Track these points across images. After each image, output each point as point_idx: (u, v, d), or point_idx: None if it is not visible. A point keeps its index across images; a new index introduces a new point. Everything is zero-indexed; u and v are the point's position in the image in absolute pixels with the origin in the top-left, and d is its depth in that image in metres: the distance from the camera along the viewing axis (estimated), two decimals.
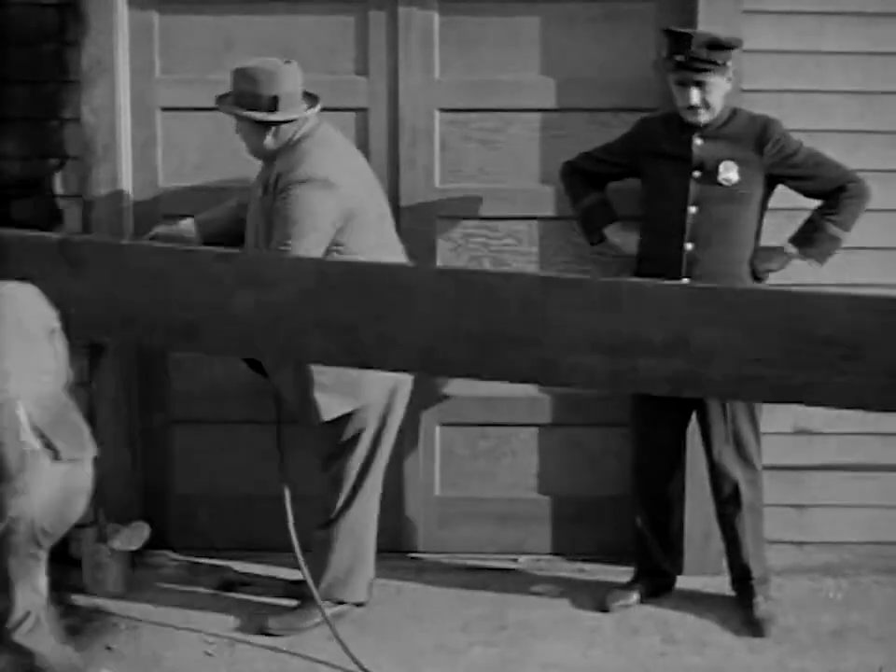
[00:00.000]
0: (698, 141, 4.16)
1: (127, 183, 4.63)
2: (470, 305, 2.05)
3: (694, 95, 4.08)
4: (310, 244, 3.93)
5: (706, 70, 4.04)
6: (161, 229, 4.35)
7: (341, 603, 4.26)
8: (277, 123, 4.04)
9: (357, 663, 3.94)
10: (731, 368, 1.79)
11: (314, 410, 4.10)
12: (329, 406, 4.10)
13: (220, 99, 4.14)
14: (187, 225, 4.32)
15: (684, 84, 4.09)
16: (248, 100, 4.04)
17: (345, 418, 4.14)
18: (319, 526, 4.25)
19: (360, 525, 4.25)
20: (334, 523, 4.22)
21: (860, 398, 1.77)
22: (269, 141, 4.07)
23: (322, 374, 4.03)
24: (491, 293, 2.12)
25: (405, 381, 4.23)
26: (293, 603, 4.33)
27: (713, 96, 4.10)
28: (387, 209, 4.27)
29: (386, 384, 4.13)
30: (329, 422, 4.14)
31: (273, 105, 4.02)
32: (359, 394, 4.09)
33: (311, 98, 4.14)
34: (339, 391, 4.07)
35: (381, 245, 4.13)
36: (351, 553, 4.25)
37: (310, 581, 4.14)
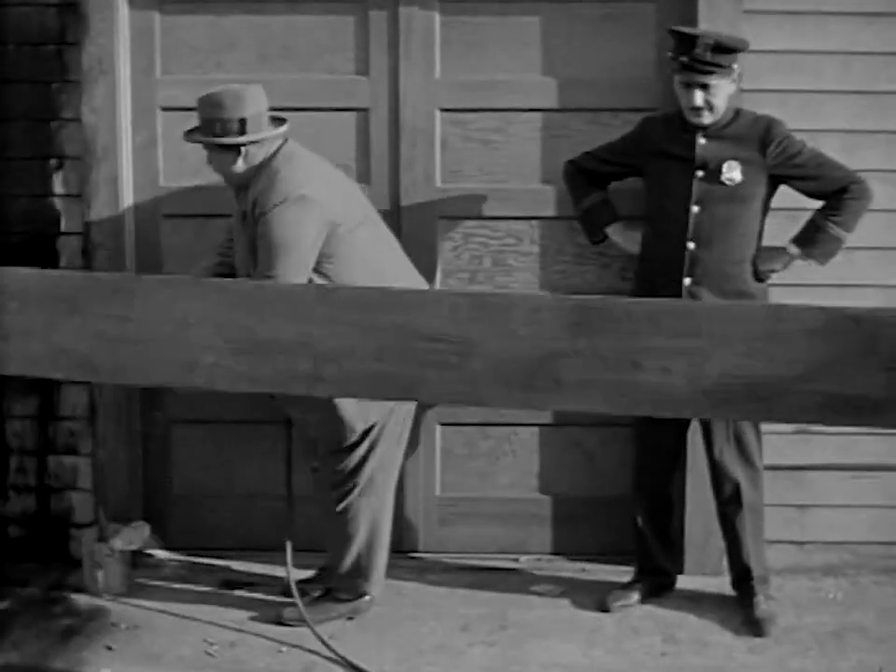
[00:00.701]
0: (702, 141, 4.16)
1: (127, 183, 4.63)
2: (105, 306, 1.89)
3: (698, 97, 4.08)
4: (295, 264, 3.92)
5: (710, 72, 4.04)
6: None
7: (362, 595, 4.29)
8: (247, 145, 4.01)
9: (349, 662, 3.94)
10: (352, 366, 1.78)
11: (346, 428, 4.10)
12: (354, 426, 4.11)
13: (189, 133, 4.12)
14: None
15: (689, 85, 4.09)
16: (216, 126, 4.02)
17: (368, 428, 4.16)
18: (335, 518, 4.24)
19: (380, 517, 4.27)
20: (353, 516, 4.23)
21: (473, 393, 1.77)
22: (239, 165, 4.04)
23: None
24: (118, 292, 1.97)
25: None
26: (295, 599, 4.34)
27: (717, 98, 4.09)
28: (372, 210, 4.23)
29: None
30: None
31: (241, 128, 4.00)
32: (380, 405, 4.08)
33: (277, 120, 4.12)
34: (361, 407, 4.08)
35: (373, 246, 4.13)
36: (371, 545, 4.28)
37: (298, 599, 4.15)
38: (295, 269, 3.91)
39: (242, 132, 4.00)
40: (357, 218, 4.09)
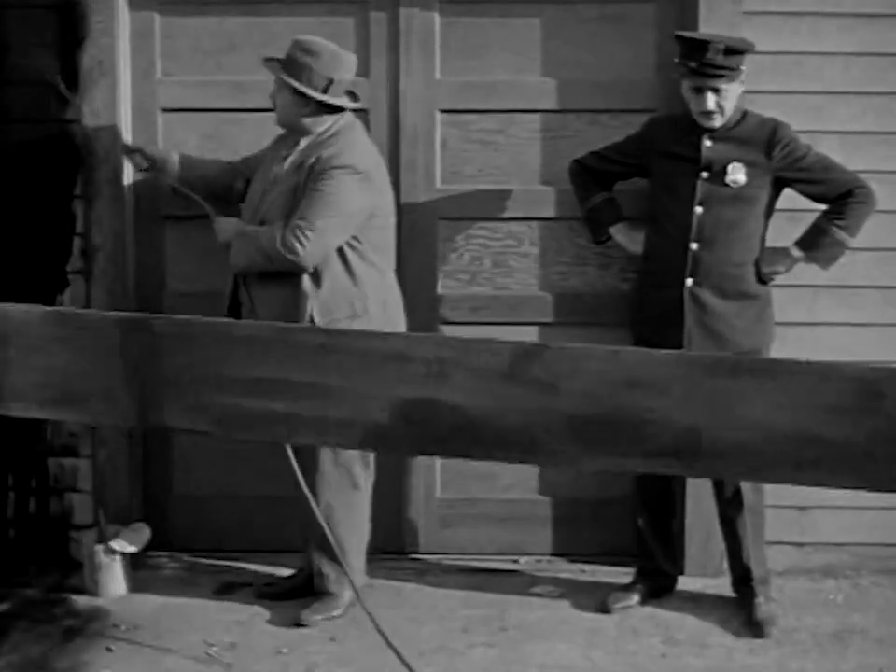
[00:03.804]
0: (707, 142, 4.16)
1: (128, 184, 4.63)
2: None
3: (711, 101, 4.08)
4: (334, 227, 4.01)
5: (722, 76, 4.05)
6: (147, 149, 4.42)
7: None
8: (318, 103, 4.06)
9: (388, 641, 3.93)
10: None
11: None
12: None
13: (270, 60, 4.14)
14: (172, 158, 4.37)
15: (700, 90, 4.09)
16: (304, 73, 4.05)
17: None
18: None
19: (363, 511, 4.30)
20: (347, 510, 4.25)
21: None
22: (307, 121, 4.10)
23: None
24: None
25: None
26: (298, 599, 4.35)
27: (728, 101, 4.10)
28: (393, 214, 4.32)
29: None
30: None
31: (326, 86, 4.05)
32: None
33: (353, 95, 4.20)
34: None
35: (388, 248, 4.24)
36: (359, 540, 4.31)
37: (331, 539, 4.08)
38: (334, 231, 4.01)
39: (325, 90, 4.05)
40: (389, 215, 4.23)
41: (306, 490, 4.01)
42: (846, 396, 1.40)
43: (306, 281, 4.06)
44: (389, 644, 3.71)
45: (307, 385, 1.59)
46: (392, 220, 4.27)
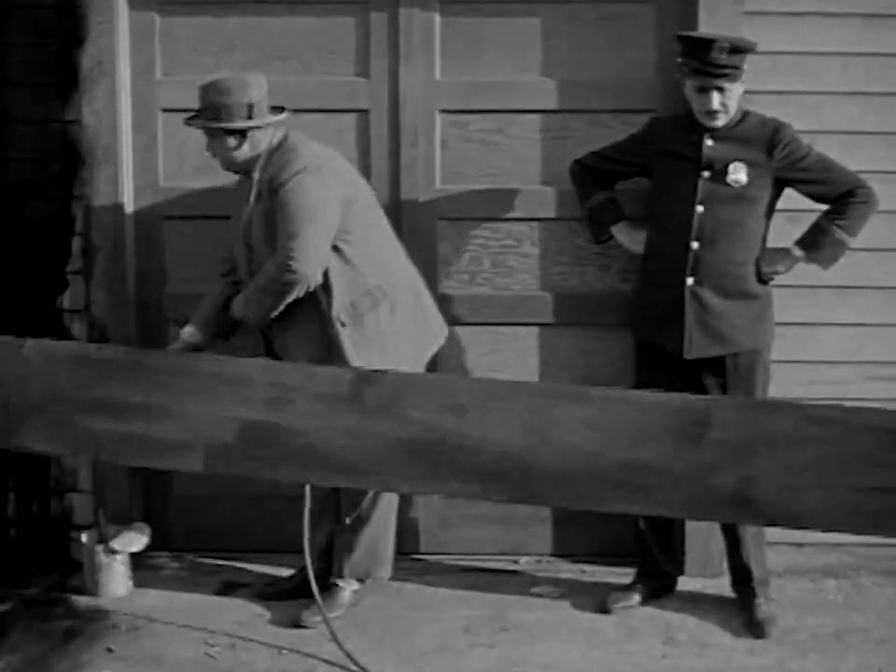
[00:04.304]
0: (709, 142, 4.16)
1: (128, 184, 4.63)
2: None
3: (715, 100, 4.08)
4: (319, 230, 3.98)
5: (726, 75, 4.05)
6: (179, 345, 4.25)
7: (361, 581, 4.35)
8: (253, 129, 4.06)
9: (351, 658, 3.94)
10: None
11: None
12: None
13: (190, 119, 4.14)
14: (192, 334, 4.25)
15: (704, 89, 4.09)
16: (223, 112, 4.05)
17: None
18: (350, 512, 4.27)
19: (388, 503, 4.31)
20: (368, 507, 4.26)
21: None
22: (244, 150, 4.09)
23: (356, 362, 4.07)
24: None
25: (419, 365, 4.24)
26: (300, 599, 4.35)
27: (731, 100, 4.10)
28: (376, 201, 4.29)
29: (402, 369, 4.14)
30: None
31: (248, 112, 4.04)
32: None
33: (277, 109, 4.17)
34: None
35: (382, 233, 4.22)
36: (380, 530, 4.32)
37: (312, 582, 4.12)
38: (318, 236, 3.97)
39: (249, 116, 4.05)
40: (369, 199, 4.20)
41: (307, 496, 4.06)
42: (670, 424, 1.39)
43: (320, 294, 4.05)
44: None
45: (157, 408, 1.61)
46: (374, 201, 4.24)
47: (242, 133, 4.06)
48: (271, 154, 4.09)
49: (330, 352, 4.06)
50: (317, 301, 4.06)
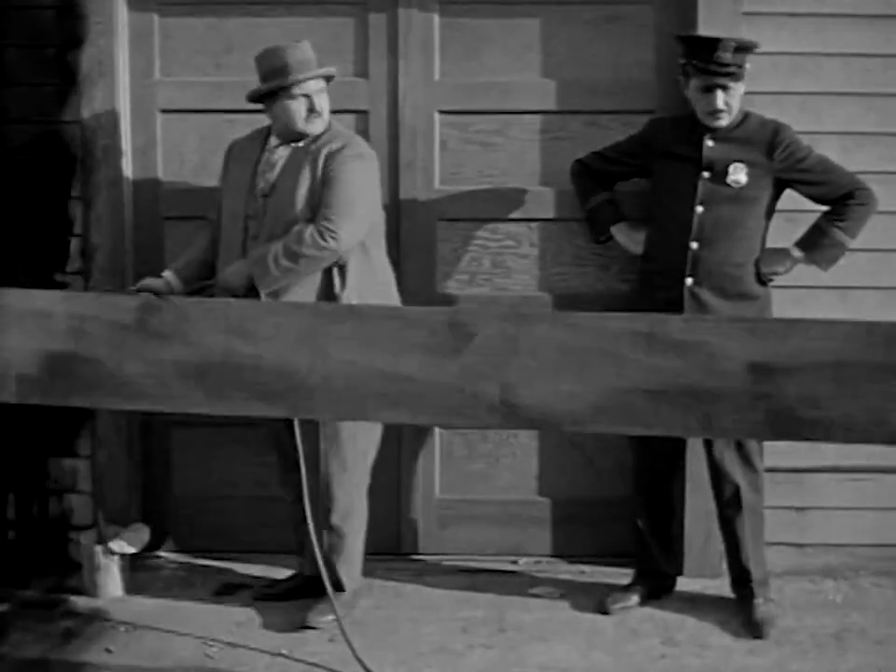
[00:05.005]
0: (709, 142, 4.17)
1: (127, 185, 4.63)
2: None
3: (720, 99, 4.09)
4: (362, 218, 4.05)
5: (732, 74, 4.06)
6: (146, 281, 4.19)
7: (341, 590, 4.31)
8: (306, 96, 4.08)
9: (359, 660, 3.94)
10: None
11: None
12: None
13: (251, 95, 4.14)
14: (167, 277, 4.22)
15: (709, 89, 4.09)
16: (278, 74, 4.07)
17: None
18: (334, 523, 4.25)
19: (359, 517, 4.29)
20: (350, 517, 4.25)
21: None
22: (308, 118, 4.10)
23: None
24: None
25: None
26: (299, 601, 4.35)
27: (735, 100, 4.12)
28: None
29: None
30: (314, 423, 4.13)
31: (327, 80, 4.15)
32: None
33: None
34: None
35: (385, 257, 4.27)
36: (354, 544, 4.30)
37: (326, 579, 4.10)
38: (362, 221, 4.06)
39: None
40: (381, 217, 4.24)
41: (306, 497, 4.06)
42: (434, 337, 1.44)
43: (335, 274, 4.06)
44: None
45: None
46: (384, 218, 4.30)
47: (310, 102, 4.08)
48: (329, 129, 4.13)
49: None
50: (327, 283, 4.05)
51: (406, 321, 1.47)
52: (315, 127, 4.11)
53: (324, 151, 4.07)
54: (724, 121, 4.14)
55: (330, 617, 4.15)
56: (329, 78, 4.17)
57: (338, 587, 4.25)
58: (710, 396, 1.36)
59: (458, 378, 1.43)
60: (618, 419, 1.38)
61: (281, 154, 4.13)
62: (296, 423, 4.05)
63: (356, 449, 4.20)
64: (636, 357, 1.36)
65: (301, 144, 4.12)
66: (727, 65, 4.05)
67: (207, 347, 1.54)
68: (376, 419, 1.48)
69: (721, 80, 4.07)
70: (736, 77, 4.08)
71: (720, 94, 4.09)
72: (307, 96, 4.09)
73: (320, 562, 4.07)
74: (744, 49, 4.08)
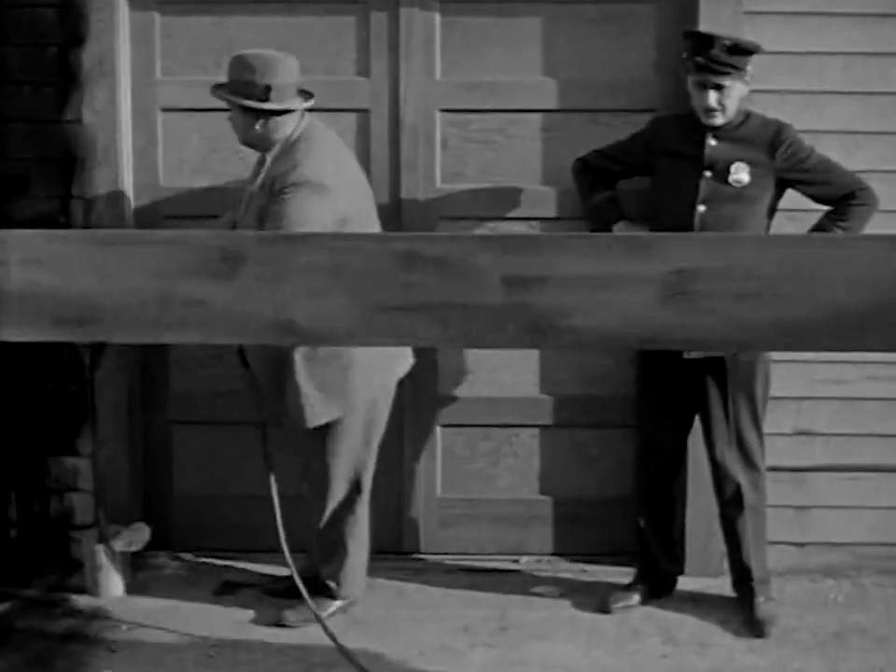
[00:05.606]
0: (712, 142, 4.17)
1: (128, 184, 4.63)
2: None
3: (712, 98, 4.09)
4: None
5: (725, 73, 4.05)
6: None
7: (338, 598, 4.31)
8: (267, 113, 4.02)
9: (351, 659, 3.94)
10: None
11: (300, 415, 4.09)
12: (317, 412, 4.09)
13: (217, 87, 4.12)
14: None
15: (703, 86, 4.09)
16: (242, 88, 4.02)
17: (330, 423, 4.14)
18: (322, 529, 4.25)
19: (360, 526, 4.27)
20: (337, 525, 4.23)
21: None
22: (258, 131, 4.04)
23: (309, 381, 4.03)
24: None
25: (388, 388, 4.22)
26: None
27: (730, 99, 4.11)
28: (375, 214, 4.24)
29: (369, 392, 4.13)
30: (315, 427, 4.12)
31: (265, 94, 4.01)
32: (343, 400, 4.09)
33: (306, 94, 4.12)
34: (325, 397, 4.06)
35: None
36: (357, 552, 4.28)
37: (297, 579, 4.11)
38: None
39: (265, 99, 4.01)
40: (364, 219, 4.11)
41: (276, 503, 4.08)
42: (208, 261, 1.55)
43: None
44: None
45: None
46: (373, 217, 4.19)
47: (256, 113, 4.02)
48: (287, 146, 4.03)
49: (282, 367, 4.05)
50: None
51: (183, 245, 1.59)
52: (274, 135, 4.07)
53: (272, 174, 3.99)
54: (718, 120, 4.14)
55: (305, 616, 4.16)
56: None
57: (326, 590, 4.26)
58: (467, 310, 1.48)
59: (232, 299, 1.54)
60: (386, 332, 1.51)
61: (259, 169, 4.10)
62: (264, 428, 4.14)
63: (344, 454, 4.19)
64: (396, 275, 1.49)
65: (269, 159, 4.06)
66: (721, 64, 4.05)
67: (17, 279, 1.60)
68: (156, 339, 1.59)
69: (714, 78, 4.07)
70: (731, 76, 4.07)
71: (711, 93, 4.09)
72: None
73: (289, 560, 4.10)
74: (741, 49, 4.07)
